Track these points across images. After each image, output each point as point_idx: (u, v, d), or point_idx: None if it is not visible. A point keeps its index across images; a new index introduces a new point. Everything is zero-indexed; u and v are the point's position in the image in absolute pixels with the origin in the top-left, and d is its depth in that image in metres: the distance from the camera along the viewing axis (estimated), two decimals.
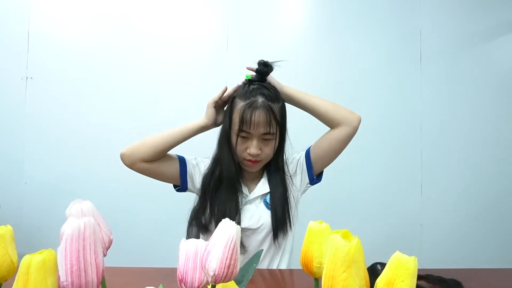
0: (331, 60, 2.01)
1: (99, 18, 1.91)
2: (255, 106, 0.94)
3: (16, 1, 1.87)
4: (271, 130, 0.96)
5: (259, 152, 0.97)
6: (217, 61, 1.93)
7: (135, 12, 1.93)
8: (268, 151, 0.99)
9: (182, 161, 1.08)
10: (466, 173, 2.04)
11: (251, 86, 0.99)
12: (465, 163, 2.05)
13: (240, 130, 0.95)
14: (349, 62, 2.01)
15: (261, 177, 1.08)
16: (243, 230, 1.00)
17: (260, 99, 0.95)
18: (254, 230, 1.02)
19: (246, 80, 1.03)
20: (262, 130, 0.95)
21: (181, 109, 1.91)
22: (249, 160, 0.99)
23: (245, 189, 1.05)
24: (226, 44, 1.94)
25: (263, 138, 0.97)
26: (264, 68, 1.00)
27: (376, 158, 1.99)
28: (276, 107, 0.98)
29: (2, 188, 1.83)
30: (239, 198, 1.02)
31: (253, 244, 1.02)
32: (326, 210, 1.83)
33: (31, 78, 1.86)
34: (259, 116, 0.93)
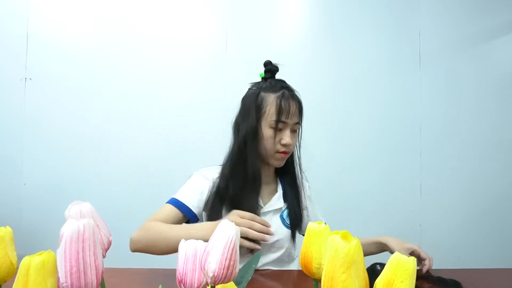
0: (331, 62, 2.01)
1: (98, 19, 1.91)
2: (287, 97, 0.98)
3: (15, 2, 1.87)
4: (301, 120, 1.02)
5: (291, 142, 1.00)
6: (217, 63, 1.93)
7: (134, 13, 1.93)
8: (295, 142, 1.03)
9: (192, 216, 1.00)
10: (465, 174, 2.05)
11: (271, 81, 1.03)
12: (464, 164, 2.05)
13: (278, 121, 0.97)
14: (349, 63, 2.02)
15: (276, 191, 1.08)
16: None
17: (287, 92, 1.00)
18: (267, 245, 0.98)
19: (261, 78, 1.07)
20: (295, 119, 1.00)
21: (181, 111, 1.91)
22: (282, 152, 1.00)
23: (260, 201, 1.03)
24: (225, 46, 1.94)
25: (293, 129, 1.01)
26: (274, 67, 1.05)
27: (375, 159, 1.99)
28: (300, 100, 1.04)
29: (1, 189, 1.83)
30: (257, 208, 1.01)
31: (266, 260, 1.00)
32: (325, 211, 1.83)
33: (30, 79, 1.86)
34: (293, 105, 0.98)
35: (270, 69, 1.04)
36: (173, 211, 0.98)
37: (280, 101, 0.97)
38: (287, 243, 1.02)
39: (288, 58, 1.95)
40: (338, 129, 1.97)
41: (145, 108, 1.91)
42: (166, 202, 1.00)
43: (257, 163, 1.00)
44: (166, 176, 1.85)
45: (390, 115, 2.02)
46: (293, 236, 1.04)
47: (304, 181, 1.13)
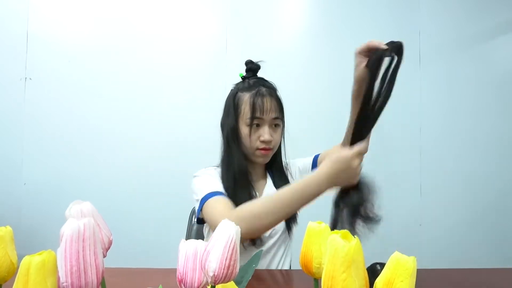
0: (331, 61, 2.01)
1: (98, 19, 1.91)
2: (263, 94, 0.99)
3: (15, 1, 1.87)
4: (280, 115, 1.02)
5: (271, 138, 1.00)
6: (217, 63, 1.93)
7: (134, 13, 1.93)
8: (278, 138, 1.03)
9: None
10: (465, 173, 2.05)
11: (251, 80, 1.04)
12: (464, 164, 2.05)
13: (253, 118, 0.98)
14: (349, 63, 1.99)
15: (266, 179, 1.10)
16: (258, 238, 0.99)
17: (264, 88, 1.01)
18: (266, 237, 1.02)
19: (241, 78, 1.08)
20: (273, 114, 0.99)
21: (181, 110, 1.91)
22: (262, 149, 1.00)
23: (257, 195, 1.05)
24: (225, 46, 1.95)
25: (273, 124, 1.01)
26: (254, 66, 1.06)
27: (375, 159, 1.98)
28: (278, 95, 1.04)
29: (1, 189, 1.83)
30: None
31: (264, 248, 1.02)
32: (325, 211, 1.83)
33: (30, 79, 1.86)
34: (269, 101, 0.99)
35: (251, 68, 1.06)
36: (225, 199, 0.92)
37: (254, 99, 0.98)
38: (281, 228, 1.05)
39: (288, 58, 1.96)
40: (338, 129, 1.97)
41: (145, 108, 1.91)
42: (206, 200, 0.93)
43: (243, 161, 1.01)
44: (166, 176, 1.85)
45: (390, 115, 2.01)
46: (286, 223, 1.05)
47: (291, 160, 1.14)
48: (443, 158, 2.04)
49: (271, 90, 1.02)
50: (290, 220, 1.04)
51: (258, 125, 0.99)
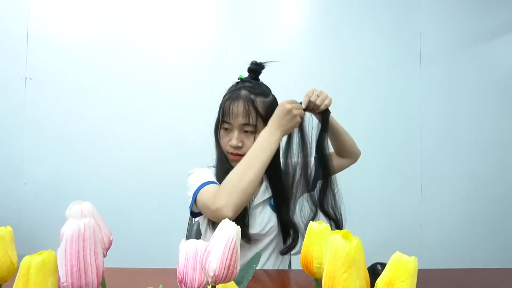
0: (331, 62, 2.01)
1: (98, 19, 1.91)
2: (235, 97, 0.97)
3: (15, 1, 1.87)
4: (251, 121, 0.96)
5: (240, 144, 0.97)
6: (217, 63, 1.93)
7: (134, 13, 1.93)
8: (250, 144, 0.97)
9: None
10: (465, 173, 2.05)
11: (239, 83, 1.03)
12: (464, 164, 2.05)
13: (222, 121, 0.98)
14: (349, 63, 2.02)
15: (262, 180, 1.07)
16: (252, 235, 0.99)
17: (243, 92, 0.98)
18: (262, 235, 1.02)
19: (238, 79, 1.06)
20: (241, 120, 0.96)
21: (181, 110, 1.91)
22: (231, 153, 0.99)
23: None
24: (225, 46, 1.94)
25: (244, 130, 0.98)
26: (255, 66, 1.04)
27: (376, 159, 1.99)
28: (259, 100, 0.98)
29: (1, 189, 1.83)
30: None
31: (260, 246, 1.01)
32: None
33: (30, 78, 1.86)
34: (237, 106, 0.96)
35: (249, 68, 1.04)
36: (216, 185, 0.95)
37: (225, 103, 0.98)
38: (276, 229, 1.04)
39: (288, 58, 1.96)
40: None
41: (145, 108, 1.91)
42: (198, 191, 0.95)
43: (221, 163, 1.01)
44: (166, 176, 1.85)
45: (391, 115, 2.02)
46: (282, 228, 1.03)
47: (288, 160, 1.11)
48: (444, 158, 2.04)
49: (251, 94, 0.96)
50: (287, 224, 1.01)
51: (229, 130, 0.99)
